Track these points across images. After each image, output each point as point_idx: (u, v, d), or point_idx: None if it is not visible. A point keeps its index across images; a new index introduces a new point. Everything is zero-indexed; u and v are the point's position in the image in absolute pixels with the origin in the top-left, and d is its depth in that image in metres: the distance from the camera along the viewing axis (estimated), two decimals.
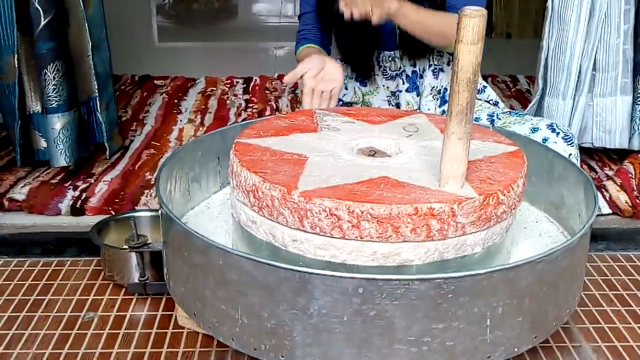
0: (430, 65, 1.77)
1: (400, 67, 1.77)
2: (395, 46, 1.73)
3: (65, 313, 1.42)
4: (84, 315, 1.42)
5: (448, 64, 1.77)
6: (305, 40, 1.79)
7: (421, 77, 1.78)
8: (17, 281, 1.54)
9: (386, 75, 1.79)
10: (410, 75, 1.78)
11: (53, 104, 1.91)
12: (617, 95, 2.03)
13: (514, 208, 1.21)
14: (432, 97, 1.77)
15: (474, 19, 1.04)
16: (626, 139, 2.06)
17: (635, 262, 1.66)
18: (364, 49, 1.73)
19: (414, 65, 1.77)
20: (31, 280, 1.55)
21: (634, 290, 1.53)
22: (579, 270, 1.27)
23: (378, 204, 1.08)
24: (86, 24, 1.93)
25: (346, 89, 1.83)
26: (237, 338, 1.14)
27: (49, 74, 1.88)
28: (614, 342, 1.35)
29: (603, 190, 1.90)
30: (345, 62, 1.82)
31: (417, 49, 1.72)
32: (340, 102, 1.81)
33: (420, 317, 1.05)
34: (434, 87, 1.77)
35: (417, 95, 1.79)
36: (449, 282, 1.04)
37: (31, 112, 1.96)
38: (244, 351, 1.15)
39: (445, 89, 1.76)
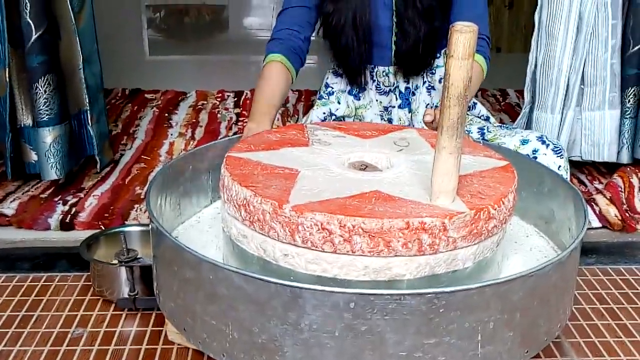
0: (424, 83, 1.77)
1: (393, 83, 1.77)
2: (390, 62, 1.73)
3: (54, 329, 1.41)
4: (73, 331, 1.41)
5: (440, 82, 1.77)
6: (278, 44, 1.65)
7: (413, 94, 1.78)
8: (6, 297, 1.53)
9: (379, 90, 1.79)
10: (403, 91, 1.78)
11: (44, 117, 1.90)
12: (605, 109, 2.04)
13: (504, 222, 1.21)
14: None
15: (465, 35, 1.04)
16: (614, 153, 2.07)
17: (626, 275, 1.66)
18: (360, 65, 1.72)
19: (408, 82, 1.77)
20: (20, 296, 1.53)
21: (624, 304, 1.53)
22: (570, 284, 1.27)
23: (370, 218, 1.08)
24: (77, 37, 1.92)
25: (339, 103, 1.82)
26: (228, 353, 1.13)
27: (40, 87, 1.87)
28: (605, 357, 1.35)
29: (593, 204, 1.90)
30: (340, 73, 1.82)
31: (413, 67, 1.72)
32: (333, 117, 1.81)
33: (412, 332, 1.04)
34: (428, 104, 1.77)
35: (409, 112, 1.79)
36: (440, 297, 1.03)
37: (22, 126, 1.95)
38: None
39: (437, 106, 1.76)
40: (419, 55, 1.69)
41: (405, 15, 1.64)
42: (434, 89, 1.78)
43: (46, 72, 1.88)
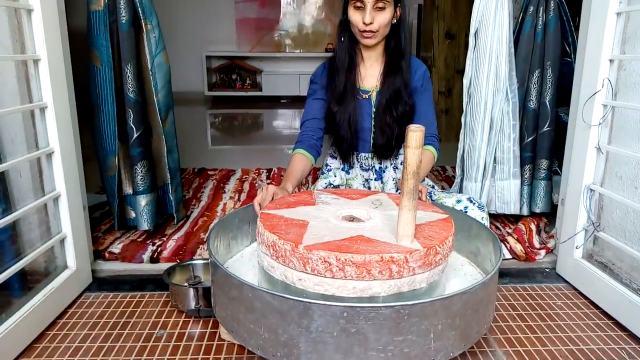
0: (391, 164, 1.77)
1: (371, 164, 1.77)
2: (369, 150, 1.74)
3: (144, 330, 1.38)
4: (157, 332, 1.37)
5: (401, 163, 1.76)
6: (301, 144, 1.66)
7: (384, 171, 1.78)
8: (113, 308, 1.50)
9: (362, 168, 1.78)
10: (377, 169, 1.77)
11: (140, 188, 1.90)
12: (510, 179, 2.03)
13: (447, 256, 1.19)
14: (393, 184, 1.77)
15: (416, 133, 1.05)
16: (518, 208, 2.06)
17: (529, 290, 1.62)
18: (349, 150, 1.73)
19: (380, 163, 1.77)
20: (122, 307, 1.50)
21: (528, 310, 1.50)
22: (492, 297, 1.24)
23: (356, 254, 1.06)
24: (163, 136, 1.95)
25: (335, 176, 1.82)
26: (261, 348, 1.10)
27: (138, 168, 1.89)
28: (517, 347, 1.31)
29: (505, 242, 1.88)
30: (337, 157, 1.82)
31: (383, 153, 1.72)
32: (331, 185, 1.81)
33: (386, 332, 1.02)
34: (394, 178, 1.77)
35: (382, 183, 1.79)
36: (405, 308, 1.01)
37: (125, 194, 1.96)
38: (266, 357, 1.10)
39: (400, 179, 1.75)
40: (390, 148, 1.70)
41: (383, 120, 1.65)
42: (397, 168, 1.78)
43: (142, 158, 1.89)
